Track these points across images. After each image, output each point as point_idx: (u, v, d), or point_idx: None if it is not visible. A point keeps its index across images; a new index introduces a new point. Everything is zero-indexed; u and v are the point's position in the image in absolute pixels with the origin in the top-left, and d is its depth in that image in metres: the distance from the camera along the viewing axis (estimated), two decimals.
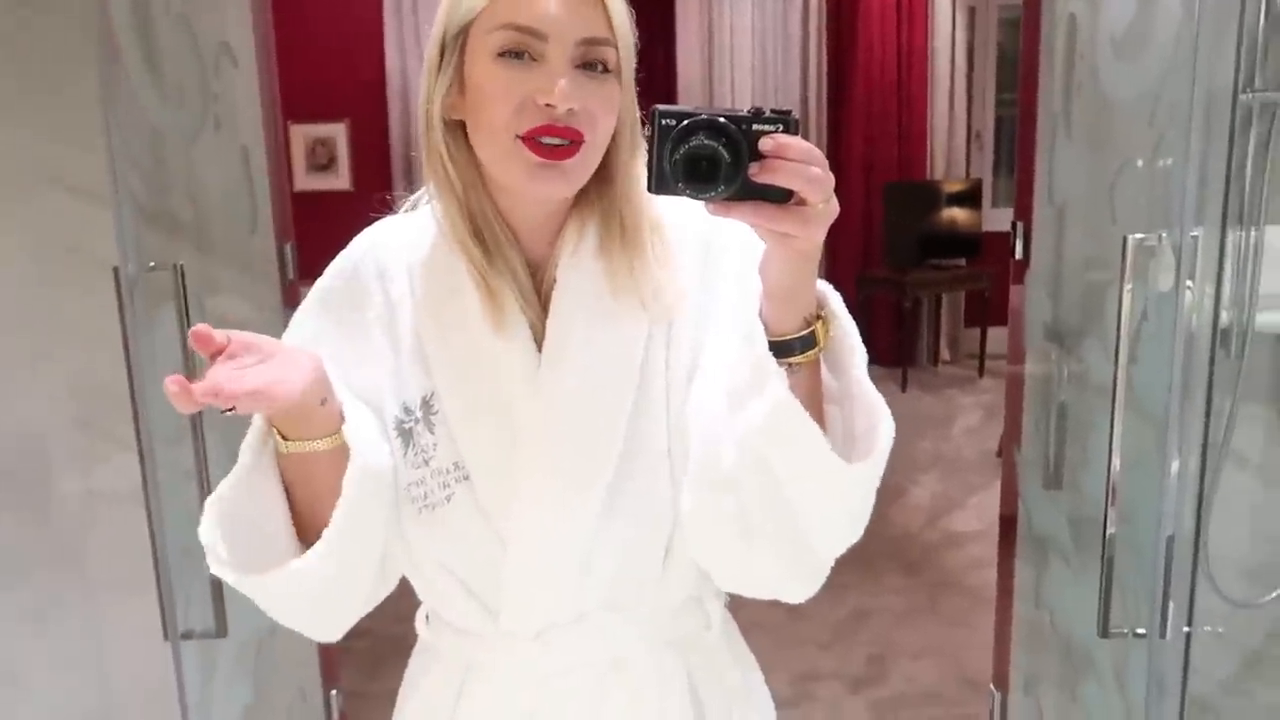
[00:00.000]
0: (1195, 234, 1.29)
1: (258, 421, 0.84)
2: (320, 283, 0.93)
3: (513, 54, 0.77)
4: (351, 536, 0.83)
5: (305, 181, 5.59)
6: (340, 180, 5.68)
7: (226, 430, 1.75)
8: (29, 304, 1.72)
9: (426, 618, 0.98)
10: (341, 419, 0.83)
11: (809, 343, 0.75)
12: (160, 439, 1.54)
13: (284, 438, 0.82)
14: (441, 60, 0.81)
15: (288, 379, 0.75)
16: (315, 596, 0.86)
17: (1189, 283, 1.31)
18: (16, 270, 1.71)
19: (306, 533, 0.84)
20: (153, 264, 1.52)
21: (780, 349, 0.74)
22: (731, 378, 0.78)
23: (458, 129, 0.83)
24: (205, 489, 1.62)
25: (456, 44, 0.80)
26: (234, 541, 0.82)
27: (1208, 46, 1.23)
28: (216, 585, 1.61)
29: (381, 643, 2.85)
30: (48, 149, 1.68)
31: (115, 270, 1.45)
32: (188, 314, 1.58)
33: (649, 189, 0.68)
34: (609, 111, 0.80)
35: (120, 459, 1.72)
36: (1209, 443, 1.49)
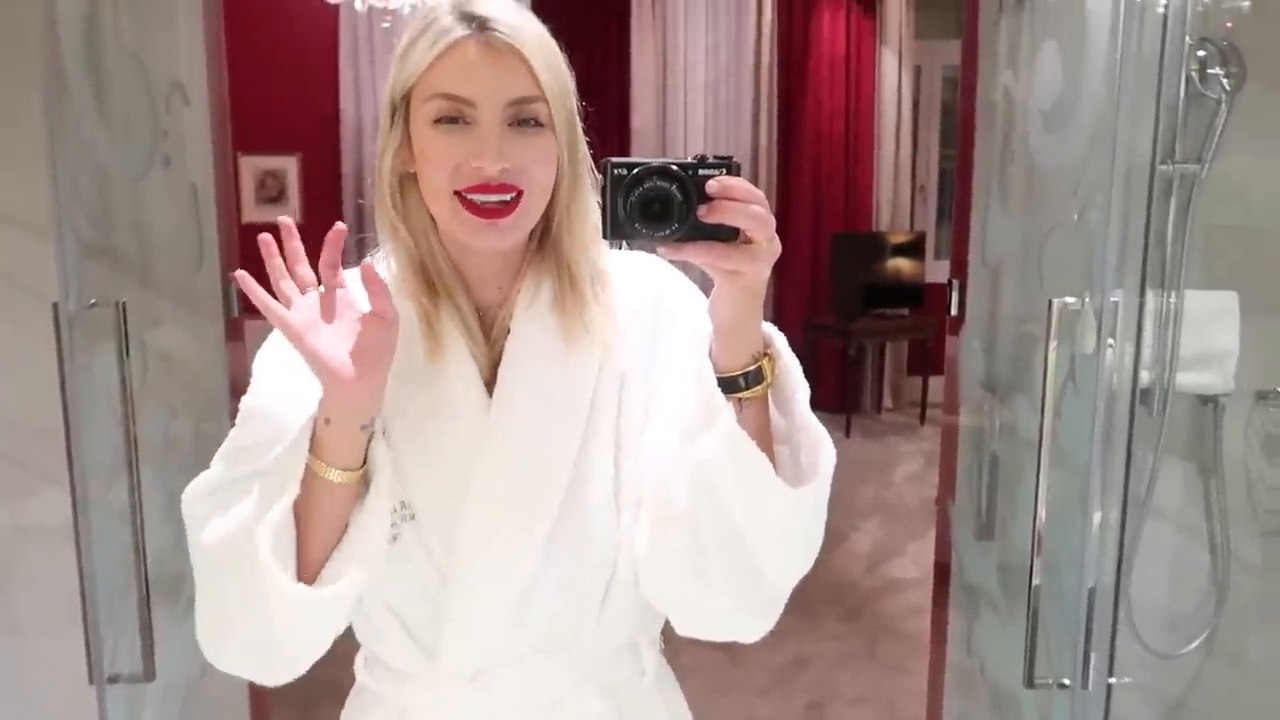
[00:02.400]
0: (1116, 298, 1.35)
1: (295, 444, 0.81)
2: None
3: (447, 119, 0.82)
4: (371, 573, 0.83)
5: (254, 213, 5.54)
6: (290, 213, 5.64)
7: (164, 467, 1.73)
8: None
9: (365, 660, 0.98)
10: (364, 457, 0.83)
11: (756, 378, 0.79)
12: (93, 477, 1.51)
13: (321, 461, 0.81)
14: (393, 119, 0.85)
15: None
16: (315, 626, 0.85)
17: (1110, 342, 1.37)
18: None
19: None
20: (94, 300, 1.51)
21: (728, 385, 0.79)
22: (683, 415, 0.82)
23: (411, 181, 0.87)
24: (139, 527, 1.59)
25: (403, 105, 0.84)
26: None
27: (1127, 121, 1.30)
28: (145, 627, 1.58)
29: (314, 687, 2.79)
30: None
31: (55, 306, 1.43)
32: (128, 350, 1.56)
33: (605, 235, 0.73)
34: (544, 164, 0.84)
35: (50, 495, 1.69)
36: (1130, 496, 1.55)
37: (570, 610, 0.90)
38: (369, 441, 0.82)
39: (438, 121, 0.82)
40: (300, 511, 0.81)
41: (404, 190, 0.88)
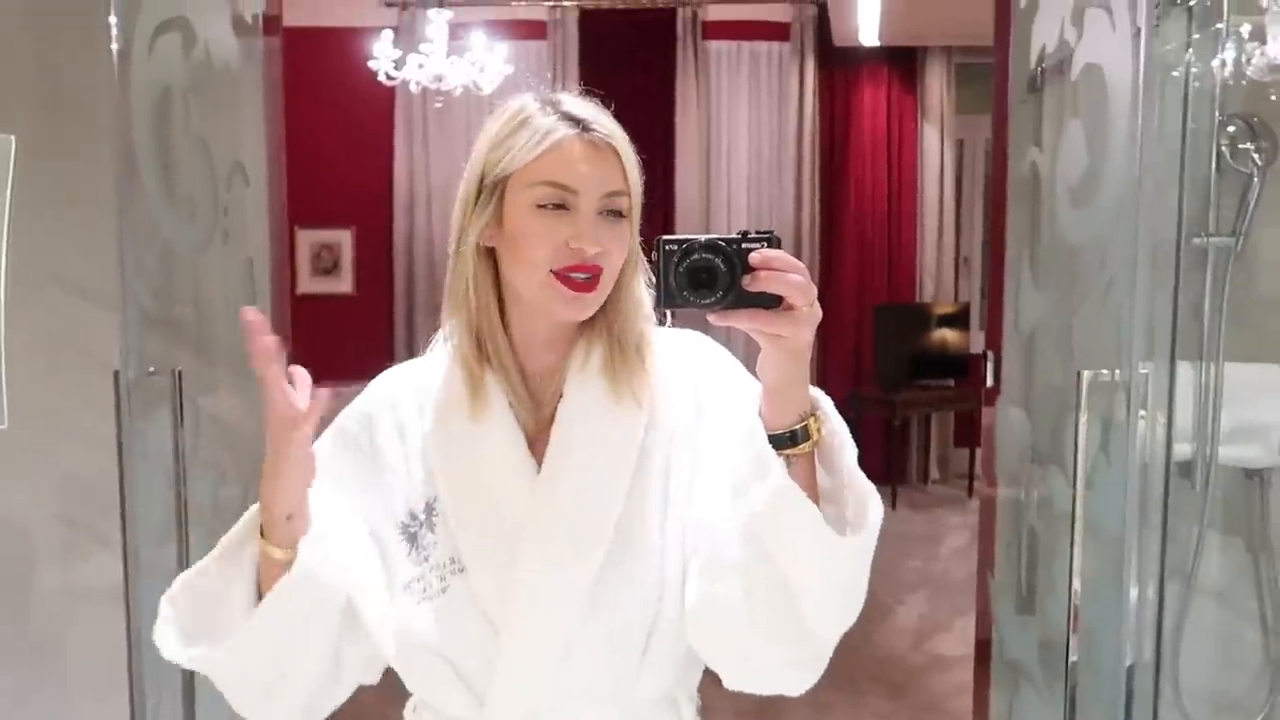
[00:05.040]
0: (1145, 369, 1.36)
1: (245, 519, 0.92)
2: (338, 421, 1.03)
3: (553, 205, 0.91)
4: (271, 633, 0.89)
5: (309, 284, 5.72)
6: (343, 284, 5.81)
7: (213, 529, 1.78)
8: (27, 400, 1.77)
9: (414, 707, 1.03)
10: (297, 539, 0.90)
11: (803, 436, 0.83)
12: (144, 538, 1.57)
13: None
14: (478, 199, 0.94)
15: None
16: (246, 679, 0.92)
17: (1142, 414, 1.37)
18: (20, 367, 1.76)
19: None
20: (152, 369, 1.58)
21: (777, 442, 0.83)
22: (735, 472, 0.86)
23: (487, 254, 0.96)
24: None
25: (497, 188, 0.94)
26: (188, 614, 0.90)
27: (1153, 197, 1.32)
28: (188, 686, 1.62)
29: None
30: (59, 252, 1.76)
31: (116, 374, 1.50)
32: (182, 417, 1.63)
33: (658, 305, 0.81)
34: (623, 250, 0.95)
35: (102, 556, 1.74)
36: (1170, 571, 1.53)
37: (614, 659, 0.94)
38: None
39: (541, 206, 0.91)
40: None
41: (479, 264, 0.96)
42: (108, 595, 1.69)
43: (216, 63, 1.88)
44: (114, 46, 1.58)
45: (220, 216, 1.91)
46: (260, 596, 0.90)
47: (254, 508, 0.92)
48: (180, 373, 1.62)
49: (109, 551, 1.64)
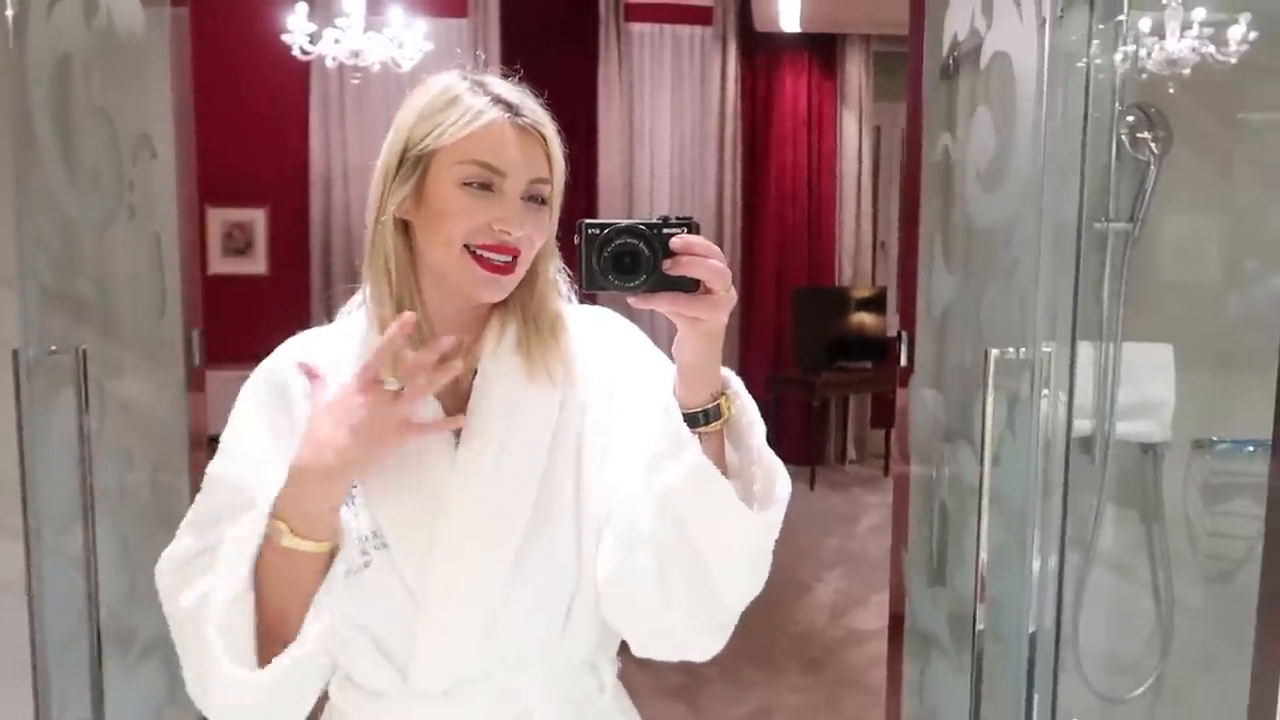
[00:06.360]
0: (1048, 349, 1.42)
1: (254, 527, 0.88)
2: (245, 389, 1.00)
3: (479, 185, 0.92)
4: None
5: (220, 265, 5.55)
6: (256, 265, 5.65)
7: (117, 517, 1.73)
8: None
9: (338, 681, 1.02)
10: (337, 531, 0.90)
11: (715, 415, 0.87)
12: (48, 525, 1.52)
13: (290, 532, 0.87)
14: (399, 170, 0.94)
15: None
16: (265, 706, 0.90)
17: (1044, 392, 1.43)
18: None
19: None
20: (54, 347, 1.52)
21: (690, 420, 0.87)
22: (649, 447, 0.89)
23: (402, 227, 0.96)
24: (92, 576, 1.59)
25: (420, 162, 0.93)
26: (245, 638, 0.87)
27: (1055, 183, 1.38)
28: (95, 675, 1.57)
29: None
30: None
31: (15, 353, 1.45)
32: (87, 398, 1.58)
33: (581, 287, 0.83)
34: (542, 236, 0.96)
35: (3, 544, 1.68)
36: (1070, 542, 1.60)
37: (537, 628, 0.96)
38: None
39: (467, 184, 0.91)
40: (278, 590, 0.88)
41: (396, 237, 0.96)
42: (11, 585, 1.63)
43: (120, 30, 1.81)
44: (8, 13, 1.52)
45: (126, 191, 1.85)
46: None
47: (253, 520, 0.88)
48: (84, 351, 1.56)
49: (11, 540, 1.58)
